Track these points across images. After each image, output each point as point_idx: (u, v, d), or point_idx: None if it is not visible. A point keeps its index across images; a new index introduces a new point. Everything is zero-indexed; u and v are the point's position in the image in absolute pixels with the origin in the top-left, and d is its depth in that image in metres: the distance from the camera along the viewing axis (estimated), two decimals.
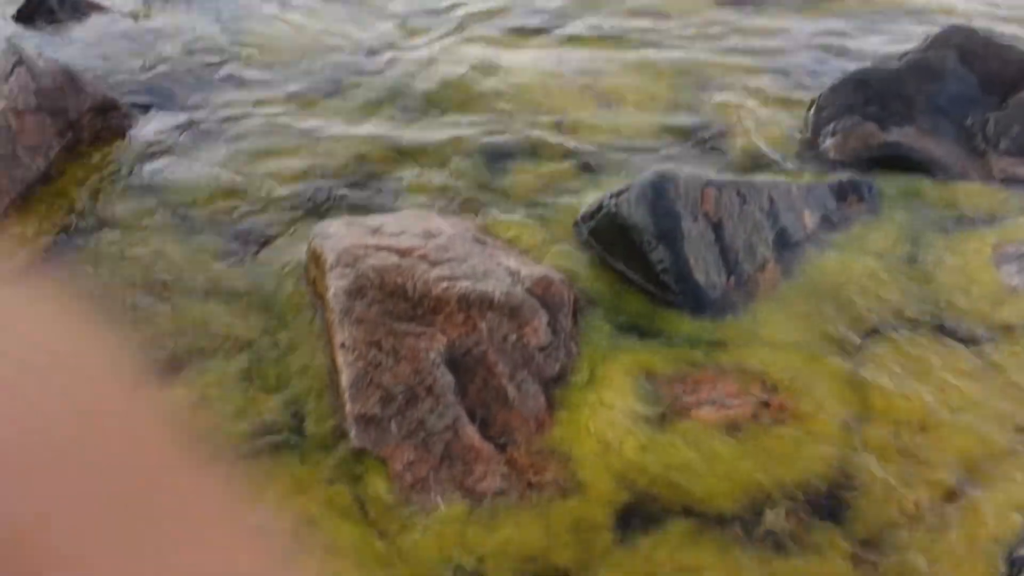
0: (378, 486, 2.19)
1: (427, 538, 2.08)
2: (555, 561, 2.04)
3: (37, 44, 3.33)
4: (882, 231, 3.12)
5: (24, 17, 3.71)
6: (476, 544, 2.07)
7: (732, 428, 2.36)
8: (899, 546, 2.14)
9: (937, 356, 2.68)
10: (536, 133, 3.49)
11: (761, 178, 3.27)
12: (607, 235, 2.96)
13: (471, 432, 2.31)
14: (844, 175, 3.34)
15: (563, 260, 2.88)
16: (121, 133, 3.19)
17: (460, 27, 4.32)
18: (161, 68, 3.65)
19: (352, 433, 2.26)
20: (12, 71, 2.98)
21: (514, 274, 2.68)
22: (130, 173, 3.04)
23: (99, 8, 3.92)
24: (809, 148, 3.56)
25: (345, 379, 2.36)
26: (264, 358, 2.50)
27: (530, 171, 3.27)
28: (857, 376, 2.62)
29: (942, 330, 2.76)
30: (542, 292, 2.64)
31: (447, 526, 2.11)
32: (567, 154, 3.39)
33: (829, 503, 2.25)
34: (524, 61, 4.05)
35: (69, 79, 3.11)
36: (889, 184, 3.34)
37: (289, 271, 2.74)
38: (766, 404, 2.47)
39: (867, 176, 3.34)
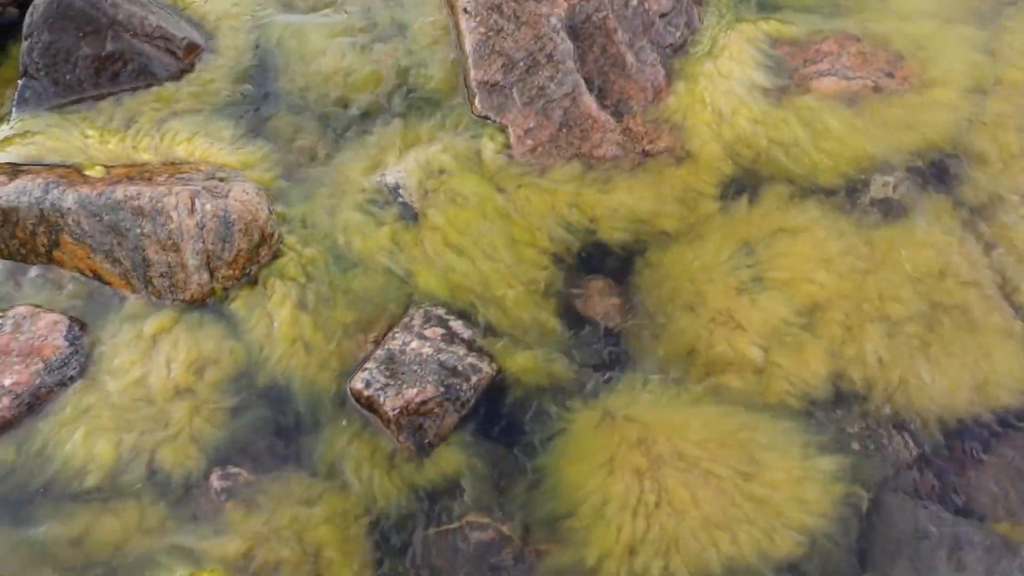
0: (500, 148, 2.36)
1: (543, 196, 2.28)
2: (661, 224, 2.23)
3: None
4: None
5: None
6: (589, 205, 2.26)
7: (851, 101, 2.39)
8: (1008, 218, 2.23)
9: None
10: None
11: None
12: None
13: (589, 100, 2.41)
14: None
15: None
16: None
17: None
18: None
19: (476, 100, 2.41)
20: None
21: None
22: None
23: None
24: None
25: (468, 45, 2.46)
26: (388, 20, 2.59)
27: None
28: (991, 45, 2.56)
29: None
30: None
31: (563, 186, 2.29)
32: None
33: (942, 173, 2.32)
34: None
35: None
36: None
37: None
38: (890, 75, 2.46)
39: None
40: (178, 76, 2.47)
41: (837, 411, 1.99)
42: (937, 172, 2.32)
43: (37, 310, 2.12)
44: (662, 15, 2.53)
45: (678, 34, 2.54)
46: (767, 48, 2.49)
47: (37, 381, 2.03)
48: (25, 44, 2.36)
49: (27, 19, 2.36)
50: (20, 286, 2.18)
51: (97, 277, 2.15)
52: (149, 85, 2.44)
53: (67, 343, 2.07)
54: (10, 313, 2.11)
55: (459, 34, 2.50)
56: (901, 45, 2.51)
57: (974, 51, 2.53)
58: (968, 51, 2.52)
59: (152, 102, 2.41)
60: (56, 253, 2.15)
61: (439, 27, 2.56)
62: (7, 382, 2.01)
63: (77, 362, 2.07)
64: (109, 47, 2.37)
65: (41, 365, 2.04)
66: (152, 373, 2.05)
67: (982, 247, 2.17)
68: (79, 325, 2.11)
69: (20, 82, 2.39)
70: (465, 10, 2.47)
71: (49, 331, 2.09)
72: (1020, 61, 2.52)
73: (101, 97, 2.40)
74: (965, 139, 2.37)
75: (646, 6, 2.52)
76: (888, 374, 2.02)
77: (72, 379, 2.05)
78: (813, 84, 2.41)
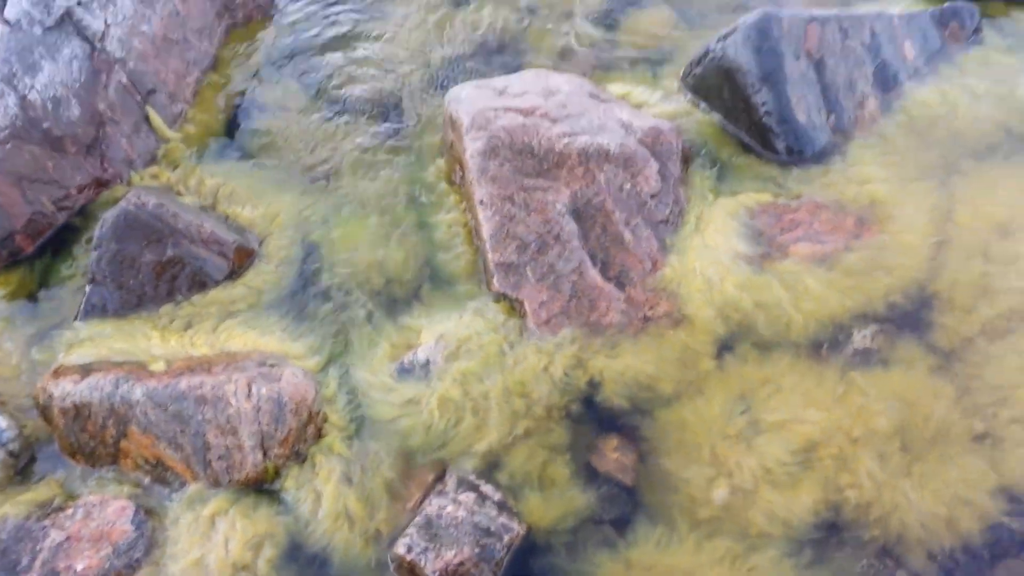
0: (518, 321, 2.64)
1: (557, 361, 2.54)
2: (665, 383, 2.48)
3: None
4: (982, 61, 3.23)
5: None
6: (599, 368, 2.52)
7: (825, 262, 2.68)
8: (976, 358, 2.48)
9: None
10: None
11: (863, 8, 3.37)
12: (712, 81, 3.17)
13: (594, 273, 2.71)
14: (947, 2, 3.40)
15: (671, 111, 3.14)
16: (268, 12, 3.54)
17: None
18: None
19: (494, 279, 2.70)
20: None
21: (626, 126, 2.97)
22: (281, 51, 3.42)
23: None
24: None
25: (485, 232, 2.78)
26: (410, 218, 2.93)
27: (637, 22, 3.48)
28: (947, 201, 2.87)
29: None
30: (652, 142, 2.93)
31: (575, 353, 2.56)
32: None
33: (913, 320, 2.59)
34: None
35: None
36: (992, 11, 3.39)
37: (428, 137, 3.12)
38: (857, 236, 2.76)
39: (970, 2, 3.40)
40: (230, 277, 2.78)
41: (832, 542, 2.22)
42: (909, 320, 2.59)
43: (105, 497, 2.34)
44: (652, 195, 2.86)
45: (667, 211, 2.86)
46: (746, 220, 2.81)
47: (107, 565, 2.23)
48: (94, 254, 2.68)
49: (97, 231, 2.70)
50: (89, 476, 2.41)
51: (160, 464, 2.38)
52: (204, 285, 2.75)
53: (133, 527, 2.29)
54: (80, 502, 2.33)
55: (477, 223, 2.83)
56: (865, 208, 2.82)
57: (931, 208, 2.83)
58: (925, 208, 2.83)
59: (207, 303, 2.72)
60: (123, 443, 2.39)
61: (456, 223, 2.91)
62: (79, 567, 2.21)
63: (143, 545, 2.27)
64: (169, 253, 2.69)
65: (110, 550, 2.25)
66: (211, 552, 2.26)
67: (955, 389, 2.42)
68: (144, 510, 2.32)
69: (88, 288, 2.69)
70: (482, 202, 2.80)
71: (117, 517, 2.30)
72: (974, 213, 2.82)
73: (161, 299, 2.70)
74: (931, 288, 2.65)
75: (638, 188, 2.85)
76: (880, 497, 2.24)
77: (138, 561, 2.25)
78: (790, 249, 2.72)
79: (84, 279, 2.75)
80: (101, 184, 3.01)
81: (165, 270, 2.71)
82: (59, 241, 2.94)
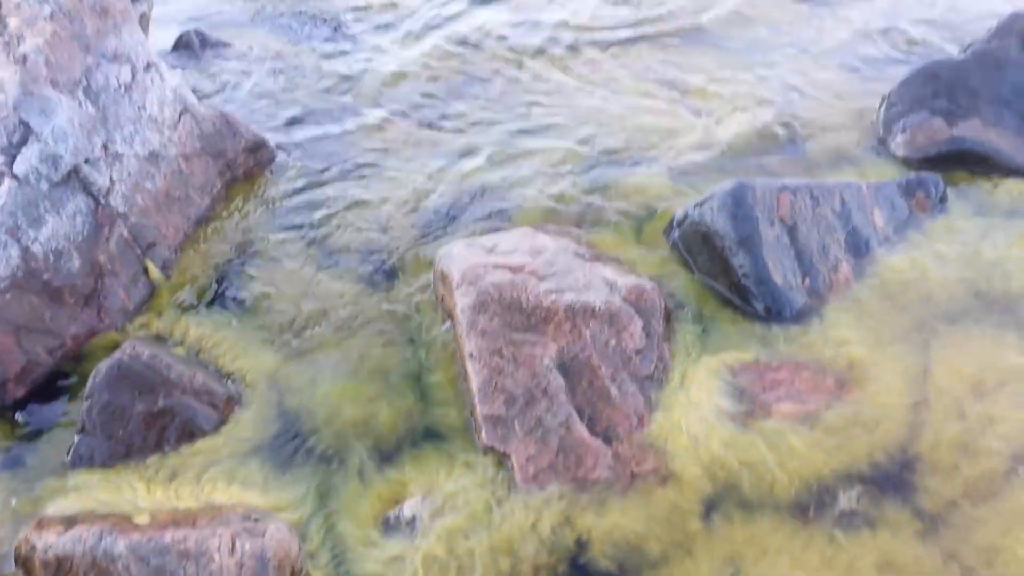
0: (506, 475, 2.65)
1: (545, 519, 2.54)
2: (653, 544, 2.48)
3: (192, 87, 3.81)
4: (948, 228, 3.41)
5: (172, 58, 4.23)
6: (586, 527, 2.52)
7: (808, 421, 2.74)
8: (963, 520, 2.50)
9: (997, 345, 2.99)
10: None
11: (833, 178, 3.57)
12: (692, 243, 3.33)
13: (581, 428, 2.75)
14: (913, 172, 3.63)
15: (654, 269, 3.27)
16: (267, 168, 3.71)
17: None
18: (294, 103, 4.15)
19: (483, 432, 2.73)
20: (179, 119, 3.50)
21: (611, 284, 3.08)
22: (276, 205, 3.57)
23: (233, 46, 4.41)
24: (880, 144, 3.84)
25: (474, 385, 2.83)
26: (403, 371, 2.99)
27: (620, 183, 3.67)
28: (924, 363, 2.96)
29: (1001, 322, 3.05)
30: (636, 300, 3.04)
31: (563, 510, 2.56)
32: (654, 165, 3.76)
33: (897, 482, 2.62)
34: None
35: (226, 123, 3.62)
36: (956, 179, 3.61)
37: (420, 290, 3.22)
38: (838, 396, 2.84)
39: (935, 172, 3.62)
40: (218, 427, 2.79)
41: None
42: (893, 481, 2.62)
43: None
44: (637, 352, 2.94)
45: (652, 367, 2.93)
46: (729, 378, 2.88)
47: None
48: (85, 404, 2.69)
49: (90, 381, 2.72)
50: None
51: None
52: (192, 436, 2.75)
53: None
54: None
55: (466, 376, 2.88)
56: (844, 369, 2.91)
57: (908, 369, 2.92)
58: (902, 370, 2.91)
59: (194, 452, 2.72)
60: None
61: (446, 376, 2.96)
62: None
63: None
64: (161, 403, 2.71)
65: None
66: None
67: (941, 553, 2.43)
68: None
69: (77, 438, 2.69)
70: (471, 355, 2.87)
71: None
72: (950, 375, 2.91)
73: (149, 449, 2.70)
74: (912, 449, 2.70)
75: (623, 344, 2.93)
76: None
77: None
78: (773, 408, 2.78)
79: (73, 427, 2.75)
80: (96, 332, 3.06)
81: (156, 421, 2.72)
82: (48, 386, 2.95)
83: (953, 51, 4.36)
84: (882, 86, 4.12)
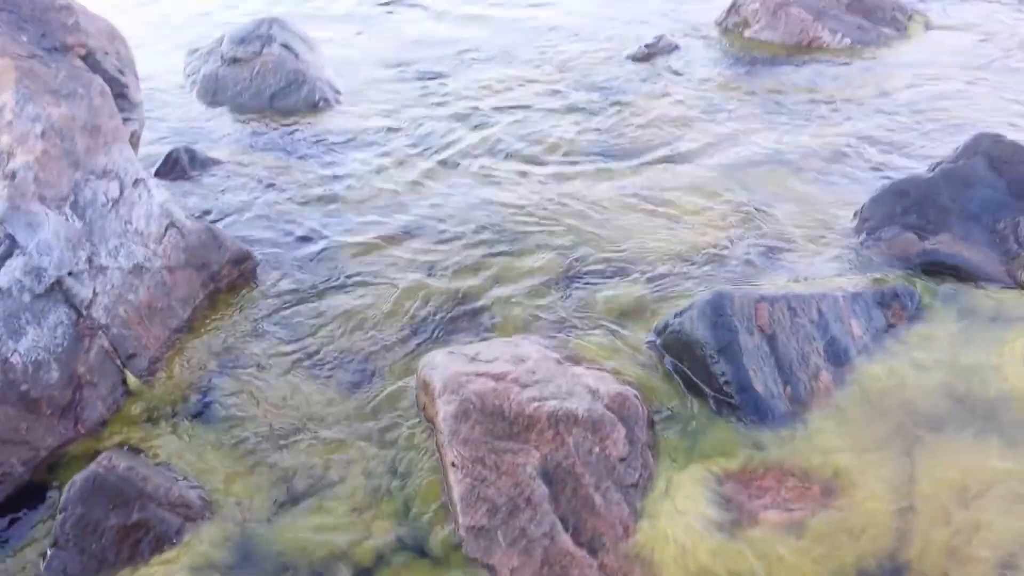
0: None
1: None
2: None
3: (180, 202, 3.88)
4: (925, 337, 3.46)
5: (162, 175, 4.33)
6: None
7: (795, 529, 2.70)
8: None
9: (979, 451, 3.00)
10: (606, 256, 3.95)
11: (810, 289, 3.63)
12: (674, 351, 3.36)
13: (565, 538, 2.70)
14: (887, 284, 3.70)
15: (637, 376, 3.27)
16: (251, 280, 3.75)
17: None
18: (279, 217, 4.23)
19: (465, 544, 2.67)
20: (165, 232, 3.55)
21: (593, 391, 3.09)
22: (259, 316, 3.59)
23: (224, 163, 4.53)
24: (856, 256, 3.93)
25: (456, 494, 2.78)
26: (385, 482, 2.94)
27: (602, 292, 3.72)
28: (908, 469, 2.95)
29: (982, 428, 3.07)
30: (619, 407, 3.04)
31: None
32: (635, 273, 3.83)
33: None
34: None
35: (212, 236, 3.68)
36: (930, 290, 3.68)
37: (402, 399, 3.20)
38: (825, 504, 2.81)
39: (909, 283, 3.70)
40: (192, 540, 2.71)
41: None
42: None
43: None
44: (621, 459, 2.91)
45: (637, 475, 2.90)
46: (715, 486, 2.85)
47: None
48: (59, 516, 2.62)
49: (65, 493, 2.66)
50: None
51: None
52: (163, 548, 2.67)
53: None
54: None
55: (448, 486, 2.84)
56: (829, 477, 2.89)
57: (892, 477, 2.90)
58: (887, 477, 2.90)
59: (163, 561, 2.63)
60: None
61: (428, 487, 2.91)
62: None
63: None
64: (135, 516, 2.65)
65: None
66: None
67: None
68: None
69: (49, 552, 2.61)
70: (453, 464, 2.83)
71: None
72: (935, 482, 2.89)
73: (122, 563, 2.62)
74: (901, 556, 2.66)
75: (607, 452, 2.91)
76: None
77: None
78: (760, 516, 2.74)
79: (45, 540, 2.67)
80: (72, 442, 3.00)
81: (130, 534, 2.64)
82: (22, 498, 2.88)
83: (917, 168, 4.52)
84: (854, 199, 4.27)
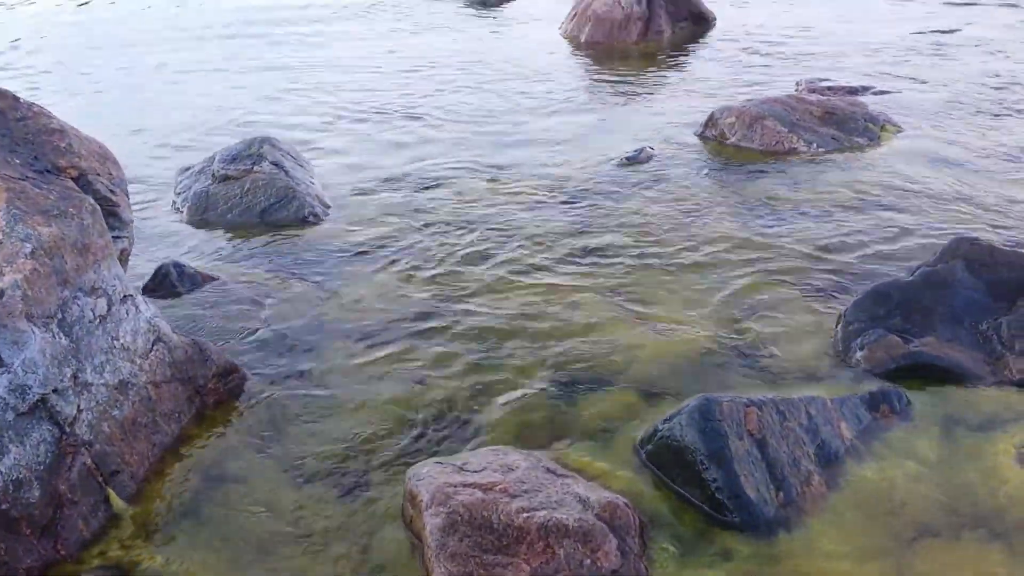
0: None
1: None
2: None
3: (167, 317, 3.89)
4: (915, 438, 3.45)
5: (150, 290, 4.37)
6: None
7: None
8: None
9: (978, 558, 2.95)
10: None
11: (798, 393, 3.63)
12: (663, 458, 3.33)
13: None
14: (875, 386, 3.71)
15: (627, 484, 3.24)
16: (239, 394, 3.73)
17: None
18: (268, 331, 4.25)
19: None
20: (152, 347, 3.55)
21: (584, 500, 3.04)
22: (245, 430, 3.56)
23: (213, 279, 4.57)
24: (841, 360, 3.95)
25: None
26: None
27: (588, 399, 3.72)
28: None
29: (979, 533, 3.03)
30: (610, 517, 2.99)
31: None
32: (622, 381, 3.83)
33: None
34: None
35: (198, 350, 3.68)
36: (918, 392, 3.69)
37: (388, 512, 3.15)
38: None
39: (897, 385, 3.71)
40: None
41: None
42: None
43: None
44: (613, 571, 2.85)
45: None
46: None
47: None
48: None
49: None
50: None
51: None
52: None
53: None
54: None
55: None
56: None
57: None
58: None
59: None
60: None
61: None
62: None
63: None
64: None
65: None
66: None
67: None
68: None
69: None
70: None
71: None
72: None
73: None
74: None
75: (598, 564, 2.84)
76: None
77: None
78: None
79: None
80: (53, 564, 2.92)
81: None
82: None
83: (896, 271, 4.59)
84: (835, 302, 4.33)
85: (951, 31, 10.21)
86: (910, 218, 5.34)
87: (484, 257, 4.98)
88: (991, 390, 3.69)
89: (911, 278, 4.22)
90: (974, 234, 4.58)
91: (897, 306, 4.07)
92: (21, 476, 2.93)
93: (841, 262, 4.80)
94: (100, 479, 3.15)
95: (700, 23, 10.84)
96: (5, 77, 9.28)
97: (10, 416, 3.01)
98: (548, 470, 3.22)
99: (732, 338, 4.14)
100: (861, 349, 3.94)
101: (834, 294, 4.49)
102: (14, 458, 2.94)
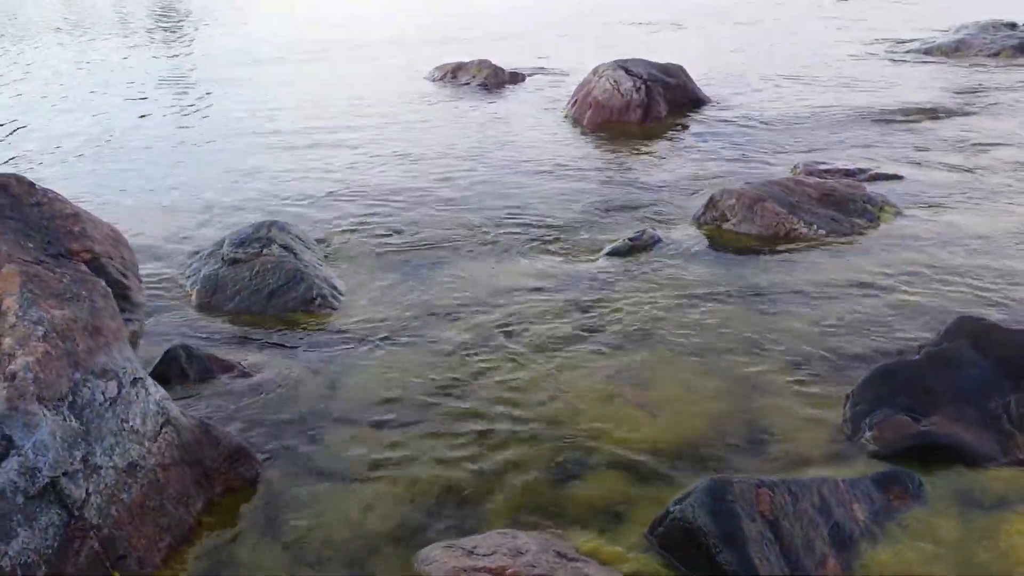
0: None
1: None
2: None
3: (176, 399, 3.89)
4: (928, 520, 3.43)
5: (159, 373, 4.37)
6: None
7: None
8: None
9: None
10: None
11: (809, 475, 3.62)
12: (676, 540, 3.29)
13: None
14: (886, 467, 3.70)
15: (639, 568, 3.20)
16: (247, 477, 3.70)
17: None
18: (276, 414, 4.25)
19: None
20: (161, 430, 3.55)
21: None
22: (256, 517, 3.53)
23: (222, 361, 4.59)
24: (850, 441, 3.94)
25: None
26: None
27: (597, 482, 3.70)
28: None
29: None
30: None
31: None
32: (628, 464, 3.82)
33: None
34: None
35: (207, 432, 3.66)
36: (929, 472, 3.68)
37: None
38: None
39: (908, 465, 3.70)
40: None
41: None
42: None
43: None
44: None
45: None
46: None
47: None
48: None
49: None
50: None
51: None
52: None
53: None
54: None
55: None
56: None
57: None
58: None
59: None
60: None
61: None
62: None
63: None
64: None
65: None
66: None
67: None
68: None
69: None
70: None
71: None
72: None
73: None
74: None
75: None
76: None
77: None
78: None
79: None
80: None
81: None
82: None
83: (902, 351, 4.61)
84: (841, 384, 4.33)
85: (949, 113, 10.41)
86: (912, 298, 5.37)
87: (488, 344, 5.00)
88: (1002, 470, 3.68)
89: (917, 358, 4.24)
90: (979, 313, 4.61)
91: (904, 385, 4.08)
92: (29, 560, 2.90)
93: (845, 344, 4.82)
94: (107, 563, 3.12)
95: (698, 107, 11.08)
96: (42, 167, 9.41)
97: (20, 499, 2.99)
98: (559, 554, 3.19)
99: (739, 420, 4.13)
100: (870, 429, 3.94)
101: (838, 376, 4.49)
102: (23, 542, 2.92)
